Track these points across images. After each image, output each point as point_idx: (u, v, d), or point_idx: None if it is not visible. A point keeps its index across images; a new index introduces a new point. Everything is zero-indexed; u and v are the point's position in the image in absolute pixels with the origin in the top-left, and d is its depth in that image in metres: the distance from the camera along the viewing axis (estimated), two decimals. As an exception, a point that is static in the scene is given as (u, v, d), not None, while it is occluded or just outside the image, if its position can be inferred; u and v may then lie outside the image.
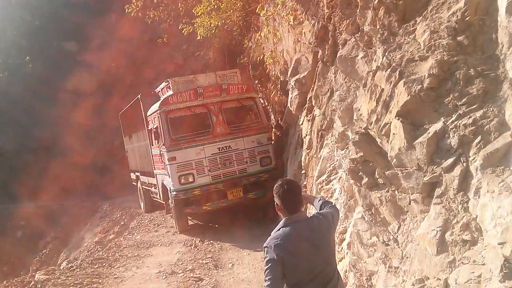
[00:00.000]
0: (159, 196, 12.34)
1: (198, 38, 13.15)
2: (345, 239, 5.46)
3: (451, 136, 3.56)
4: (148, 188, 13.96)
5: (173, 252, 9.76)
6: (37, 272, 10.06)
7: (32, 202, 21.87)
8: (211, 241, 9.98)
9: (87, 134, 23.30)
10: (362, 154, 4.82)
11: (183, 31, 13.59)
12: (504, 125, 3.23)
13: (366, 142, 4.74)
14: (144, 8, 15.42)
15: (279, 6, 8.40)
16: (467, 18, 3.70)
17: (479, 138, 3.34)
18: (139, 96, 12.72)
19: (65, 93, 24.27)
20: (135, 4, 15.03)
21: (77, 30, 25.59)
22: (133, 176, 16.54)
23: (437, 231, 3.52)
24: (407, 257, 4.09)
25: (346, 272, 5.19)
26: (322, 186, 6.59)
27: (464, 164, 3.42)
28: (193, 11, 13.38)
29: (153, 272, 8.71)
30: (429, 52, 3.94)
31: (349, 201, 5.50)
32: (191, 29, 13.44)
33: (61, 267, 10.35)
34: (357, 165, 4.88)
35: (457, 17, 3.77)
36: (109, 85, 24.05)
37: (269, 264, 2.97)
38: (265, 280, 2.98)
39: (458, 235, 3.33)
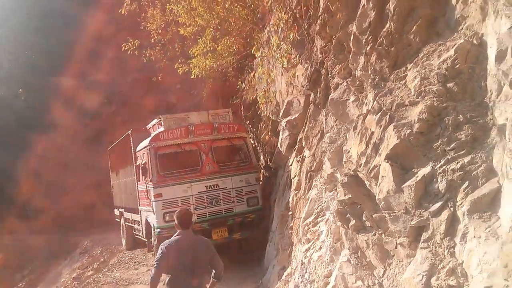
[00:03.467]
0: (142, 233, 12.08)
1: (193, 77, 13.31)
2: (329, 282, 5.35)
3: (439, 180, 3.59)
4: (131, 224, 13.71)
5: (153, 291, 9.47)
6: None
7: (12, 235, 21.33)
8: (193, 282, 9.71)
9: (74, 169, 23.08)
10: (350, 196, 4.81)
11: (178, 70, 13.76)
12: (492, 172, 3.27)
13: (355, 184, 4.75)
14: (140, 47, 15.65)
15: (274, 47, 8.58)
16: (457, 66, 3.81)
17: (466, 183, 3.37)
18: (129, 131, 12.71)
19: (55, 127, 24.19)
20: (131, 43, 15.28)
21: (72, 66, 25.81)
22: (117, 212, 16.27)
23: (422, 276, 3.48)
24: (392, 303, 4.01)
25: (329, 317, 5.07)
26: (309, 228, 6.52)
27: (452, 208, 3.44)
28: (189, 51, 13.61)
29: (131, 311, 8.44)
30: (419, 97, 4.03)
31: (335, 243, 5.43)
32: (186, 69, 13.63)
33: (36, 302, 9.99)
34: (345, 207, 4.86)
35: (447, 64, 3.88)
36: (100, 122, 24.08)
37: (160, 256, 4.77)
38: (154, 263, 4.90)
39: (444, 280, 3.29)
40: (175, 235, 4.92)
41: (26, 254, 19.96)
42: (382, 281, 4.24)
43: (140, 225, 12.15)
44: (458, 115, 3.65)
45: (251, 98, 11.77)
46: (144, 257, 12.74)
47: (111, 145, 16.52)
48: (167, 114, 11.38)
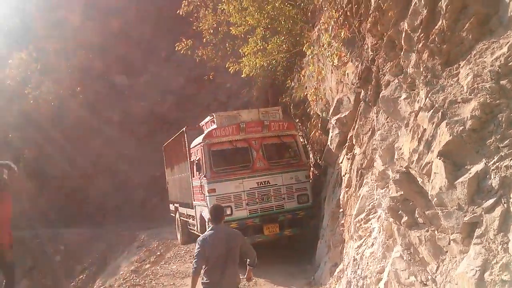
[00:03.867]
0: (197, 228, 12.47)
1: (243, 76, 13.61)
2: (382, 278, 5.42)
3: (492, 177, 3.59)
4: (186, 219, 14.15)
5: (208, 284, 9.80)
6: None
7: (73, 228, 22.45)
8: (246, 276, 9.97)
9: (130, 164, 24.00)
10: (402, 192, 4.86)
11: (229, 70, 14.11)
12: (546, 169, 3.26)
13: (407, 181, 4.79)
14: (193, 46, 16.13)
15: (324, 45, 8.68)
16: (511, 63, 3.80)
17: (520, 180, 3.37)
18: (184, 128, 13.15)
19: (112, 124, 25.25)
20: (185, 42, 15.79)
21: (127, 65, 26.80)
22: (172, 207, 16.80)
23: (476, 271, 3.50)
24: (445, 298, 4.06)
25: (382, 311, 5.15)
26: (361, 225, 6.59)
27: (505, 205, 3.44)
28: (239, 50, 13.91)
29: (188, 302, 8.77)
30: (472, 94, 4.03)
31: (387, 240, 5.49)
32: (237, 68, 13.94)
33: (98, 291, 10.58)
34: (397, 203, 4.92)
35: (500, 62, 3.87)
36: (154, 119, 24.92)
37: (198, 250, 5.32)
38: (194, 258, 5.48)
39: (497, 275, 3.31)
40: (208, 229, 5.57)
41: (85, 247, 20.90)
42: (435, 276, 4.28)
43: (195, 219, 12.53)
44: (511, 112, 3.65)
45: (300, 96, 11.89)
46: (199, 251, 13.12)
47: (166, 142, 17.09)
48: (219, 112, 11.70)
